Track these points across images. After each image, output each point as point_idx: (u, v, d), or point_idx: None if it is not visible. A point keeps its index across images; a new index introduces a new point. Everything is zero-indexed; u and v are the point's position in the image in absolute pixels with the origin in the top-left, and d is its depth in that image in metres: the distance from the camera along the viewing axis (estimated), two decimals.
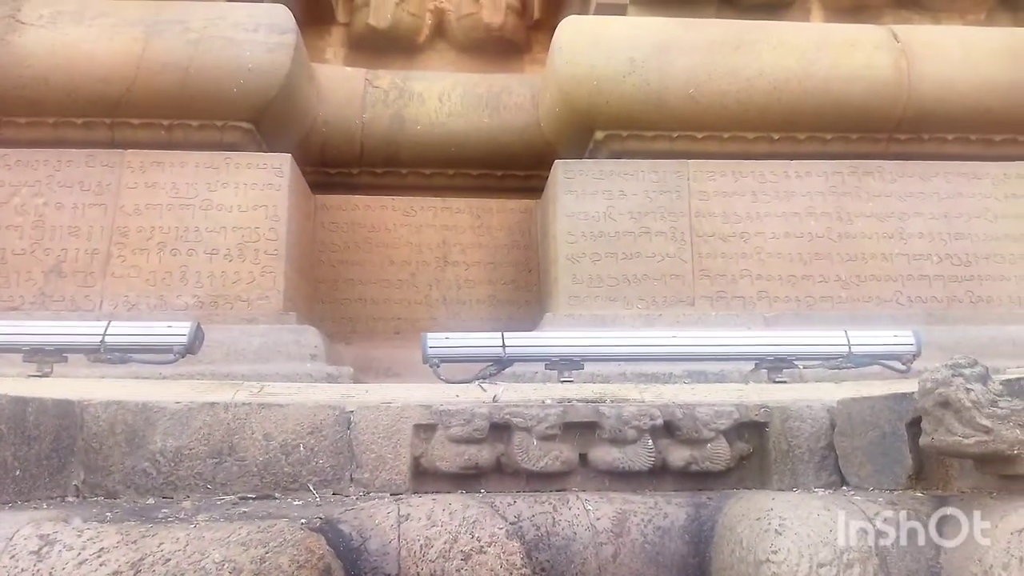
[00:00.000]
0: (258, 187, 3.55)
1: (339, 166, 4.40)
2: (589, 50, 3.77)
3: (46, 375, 2.39)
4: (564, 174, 3.72)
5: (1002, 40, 3.94)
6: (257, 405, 1.98)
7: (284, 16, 3.76)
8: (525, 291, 4.20)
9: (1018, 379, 1.58)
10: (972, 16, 4.52)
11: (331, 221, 4.18)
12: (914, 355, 2.62)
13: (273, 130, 3.88)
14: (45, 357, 2.39)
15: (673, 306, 3.54)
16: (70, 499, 1.85)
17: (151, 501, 1.86)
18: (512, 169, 4.48)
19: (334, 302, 4.09)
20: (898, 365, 2.68)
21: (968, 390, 1.57)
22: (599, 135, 3.86)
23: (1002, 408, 1.53)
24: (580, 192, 3.68)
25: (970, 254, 3.62)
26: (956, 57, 3.83)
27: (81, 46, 3.55)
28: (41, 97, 3.55)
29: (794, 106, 3.77)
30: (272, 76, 3.64)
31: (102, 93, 3.55)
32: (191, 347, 2.49)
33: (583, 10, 4.40)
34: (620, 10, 4.22)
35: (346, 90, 4.32)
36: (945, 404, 1.57)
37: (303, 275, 3.88)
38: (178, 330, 2.50)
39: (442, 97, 4.36)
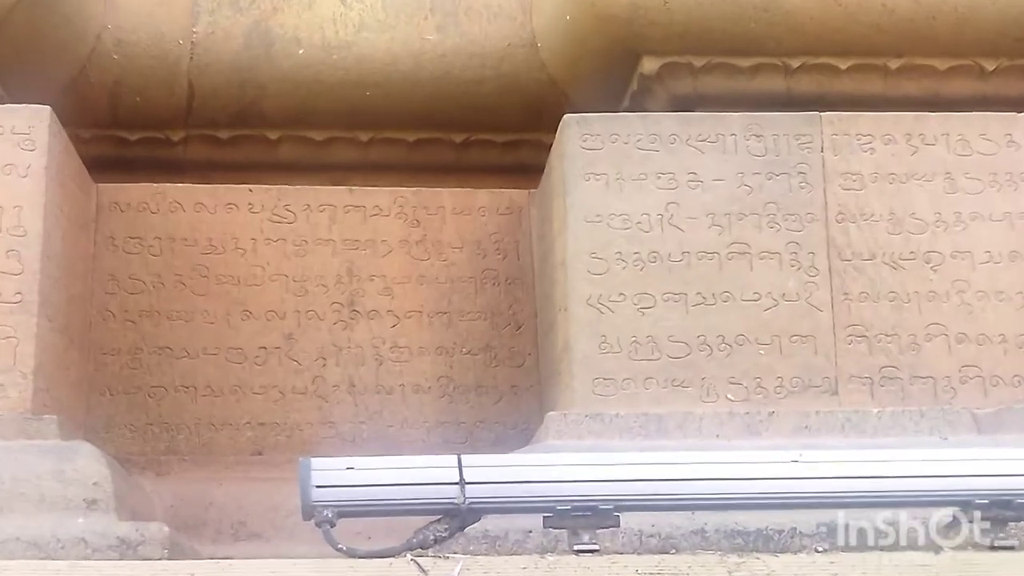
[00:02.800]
0: None
1: (147, 128, 4.46)
2: None
3: None
4: (583, 140, 3.75)
5: None
6: None
7: None
8: (510, 367, 4.21)
9: None
10: None
11: (130, 235, 4.18)
12: None
13: (14, 60, 3.91)
14: None
15: (798, 396, 3.56)
16: None
17: None
18: (483, 130, 4.54)
19: (135, 392, 4.07)
20: None
21: None
22: (650, 65, 3.94)
23: None
24: (614, 176, 3.72)
25: None
26: None
27: None
28: None
29: None
30: None
31: None
32: None
33: None
34: None
35: None
36: None
37: (73, 340, 3.87)
38: None
39: None
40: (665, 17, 3.81)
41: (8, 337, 3.43)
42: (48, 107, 3.69)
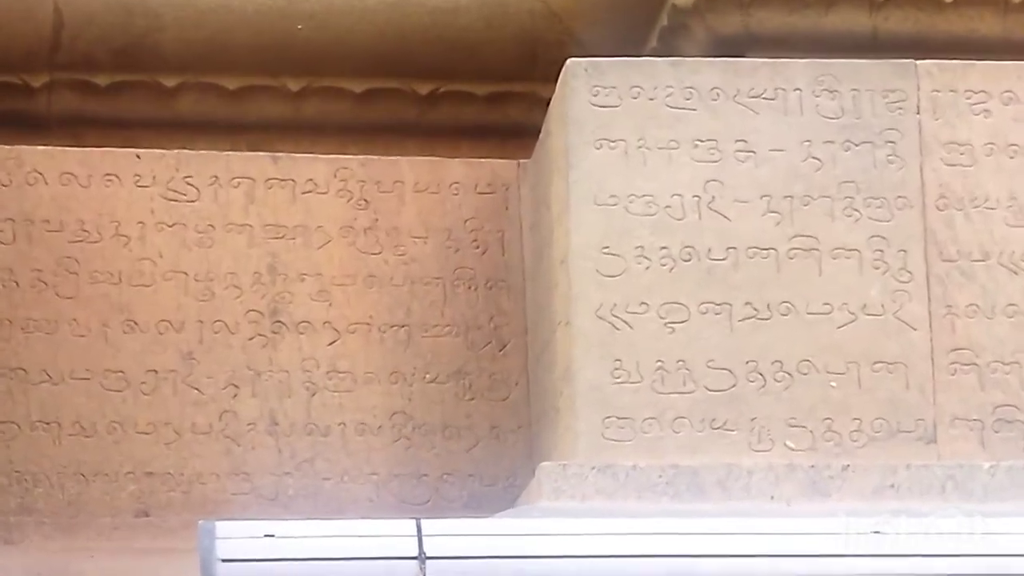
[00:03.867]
0: None
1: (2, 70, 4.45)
2: None
3: None
4: (593, 94, 3.76)
5: None
6: None
7: None
8: (489, 400, 4.22)
9: None
10: None
11: None
12: None
13: None
14: None
15: (881, 443, 3.57)
16: None
17: None
18: (457, 79, 4.58)
19: None
20: None
21: None
22: None
23: None
24: (634, 142, 3.73)
25: None
26: None
27: None
28: None
29: None
30: None
31: None
32: None
33: None
34: None
35: None
36: None
37: None
38: None
39: None
40: None
41: None
42: None
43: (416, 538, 2.62)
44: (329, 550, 2.64)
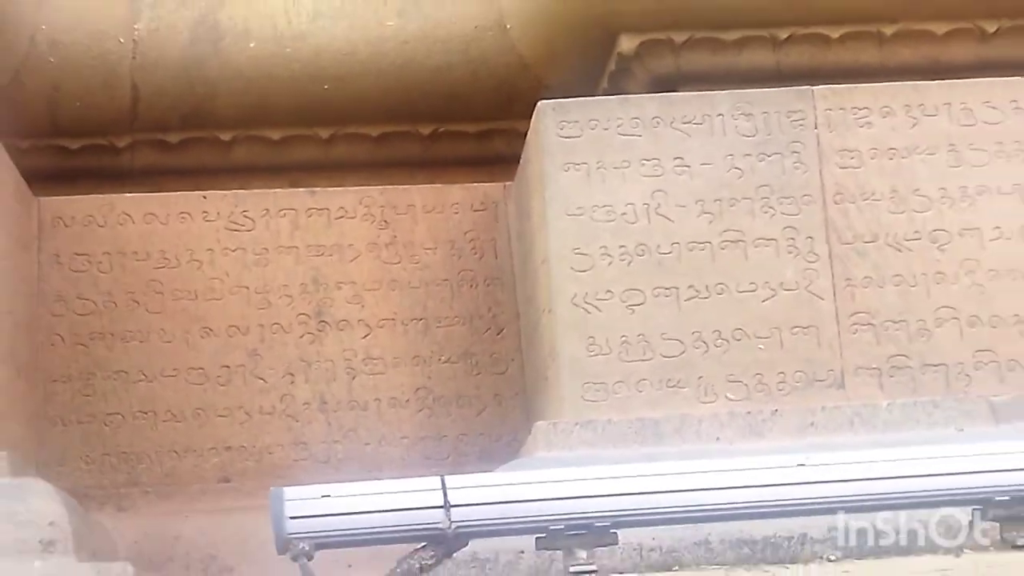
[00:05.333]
0: None
1: (89, 135, 4.46)
2: None
3: None
4: (560, 128, 3.76)
5: None
6: None
7: None
8: (492, 374, 4.23)
9: None
10: None
11: (77, 251, 4.18)
12: None
13: None
14: None
15: (801, 391, 3.58)
16: None
17: None
18: (452, 121, 4.57)
19: (89, 421, 4.07)
20: None
21: None
22: (628, 43, 3.97)
23: None
24: (595, 164, 3.73)
25: None
26: None
27: None
28: None
29: None
30: None
31: None
32: None
33: None
34: None
35: None
36: None
37: (20, 369, 3.87)
38: None
39: None
40: None
41: None
42: None
43: (441, 491, 2.62)
44: (372, 504, 2.64)
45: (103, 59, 4.33)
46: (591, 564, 2.60)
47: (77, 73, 4.33)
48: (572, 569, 2.60)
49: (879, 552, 2.97)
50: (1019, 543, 2.68)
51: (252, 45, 4.36)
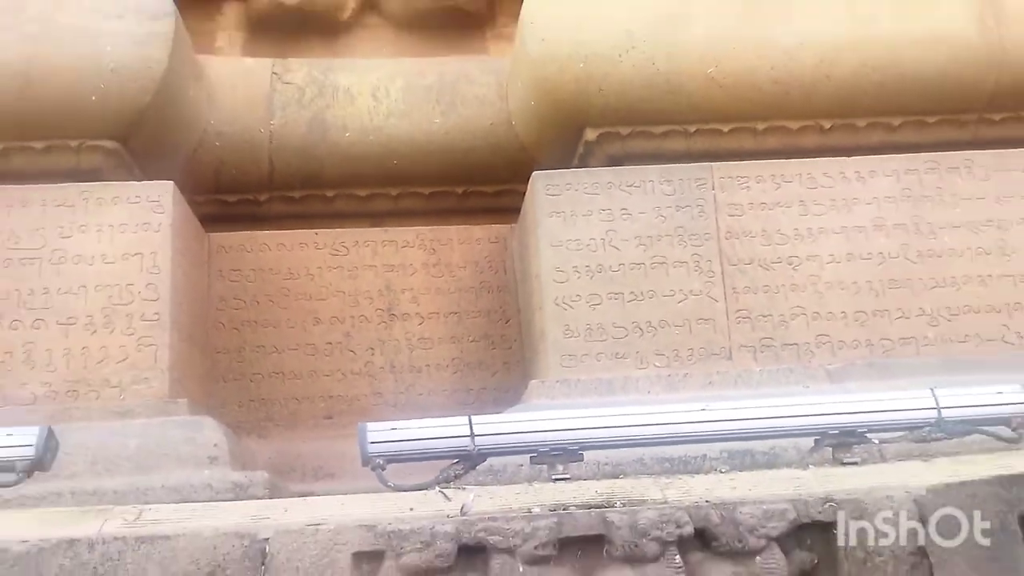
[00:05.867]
0: (129, 228, 3.58)
1: (241, 192, 4.46)
2: (573, 22, 3.87)
3: None
4: (546, 189, 3.76)
5: None
6: (135, 539, 1.97)
7: None
8: (502, 349, 4.23)
9: None
10: None
11: (232, 268, 4.20)
12: None
13: (148, 149, 3.93)
14: None
15: (703, 361, 3.58)
16: None
17: None
18: (477, 184, 4.55)
19: (240, 379, 4.09)
20: (1006, 432, 2.71)
21: None
22: (591, 134, 3.95)
23: None
24: (569, 213, 3.73)
25: None
26: None
27: None
28: None
29: (850, 82, 3.88)
30: (143, 78, 3.70)
31: None
32: (41, 462, 2.47)
33: None
34: None
35: (247, 89, 4.40)
36: None
37: (196, 345, 3.89)
38: (21, 439, 2.48)
39: (377, 92, 4.45)
40: (600, 100, 3.84)
41: (151, 345, 3.47)
42: (171, 182, 3.73)
43: (468, 425, 2.63)
44: (423, 434, 2.66)
45: (251, 143, 4.35)
46: (566, 474, 2.62)
47: (234, 152, 4.35)
48: (553, 477, 2.62)
49: (753, 466, 3.00)
50: (845, 460, 2.70)
51: (347, 135, 4.39)
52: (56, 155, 3.73)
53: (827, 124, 3.96)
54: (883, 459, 2.85)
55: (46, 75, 3.62)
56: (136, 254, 3.55)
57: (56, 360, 3.40)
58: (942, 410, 2.67)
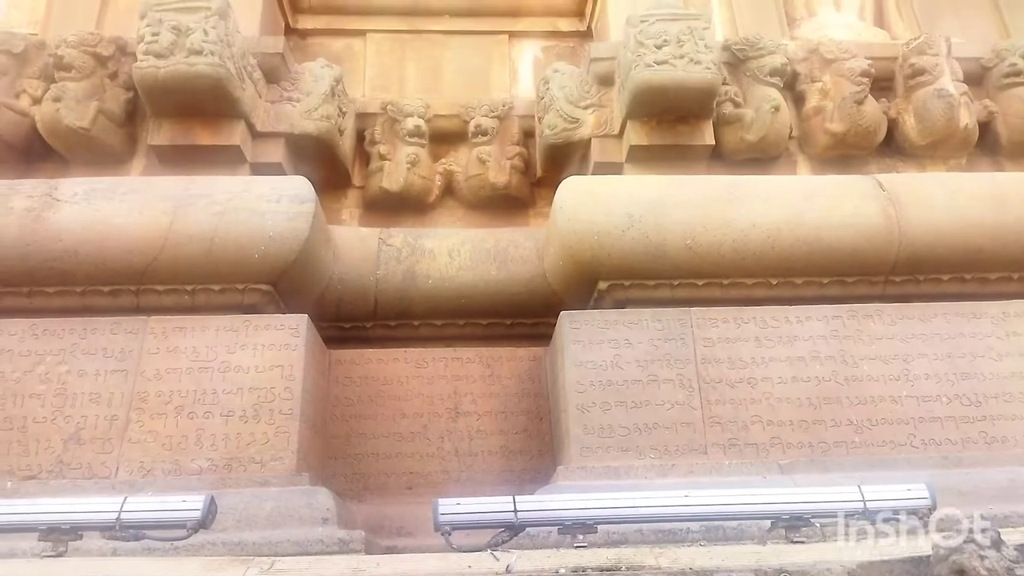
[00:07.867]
0: (275, 348, 3.66)
1: (354, 321, 4.51)
2: (589, 208, 3.98)
3: (60, 554, 2.39)
4: (570, 324, 3.80)
5: (984, 184, 4.15)
6: None
7: (304, 187, 4.02)
8: (537, 440, 4.17)
9: None
10: (954, 161, 4.77)
11: (345, 376, 4.23)
12: (930, 508, 2.57)
13: (291, 290, 4.05)
14: (61, 536, 2.39)
15: (686, 455, 3.52)
16: None
17: None
18: (520, 317, 4.56)
19: (347, 457, 4.06)
20: (915, 521, 2.62)
21: (982, 557, 1.57)
22: (602, 285, 3.99)
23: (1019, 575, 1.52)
24: (587, 342, 3.75)
25: (979, 393, 3.61)
26: (941, 202, 4.02)
27: (112, 220, 3.79)
28: (71, 268, 3.74)
29: (788, 253, 3.92)
30: (292, 242, 3.85)
31: (129, 263, 3.75)
32: (204, 522, 2.49)
33: (582, 169, 4.69)
34: (617, 168, 4.51)
35: (361, 249, 4.51)
36: (960, 572, 1.57)
37: (317, 431, 3.90)
38: (192, 505, 2.51)
39: (452, 252, 4.54)
40: (609, 262, 3.91)
41: (285, 432, 3.50)
42: (306, 315, 3.82)
43: (512, 502, 2.61)
44: (479, 508, 2.62)
45: (362, 287, 4.42)
46: (584, 542, 2.58)
47: (350, 293, 4.43)
48: (575, 544, 2.58)
49: (724, 540, 2.92)
50: (794, 539, 2.63)
51: (430, 282, 4.46)
52: (228, 295, 3.87)
53: (774, 281, 3.98)
54: (824, 538, 2.76)
55: (225, 240, 3.79)
56: (279, 366, 3.62)
57: (218, 442, 3.44)
58: (867, 503, 2.60)
